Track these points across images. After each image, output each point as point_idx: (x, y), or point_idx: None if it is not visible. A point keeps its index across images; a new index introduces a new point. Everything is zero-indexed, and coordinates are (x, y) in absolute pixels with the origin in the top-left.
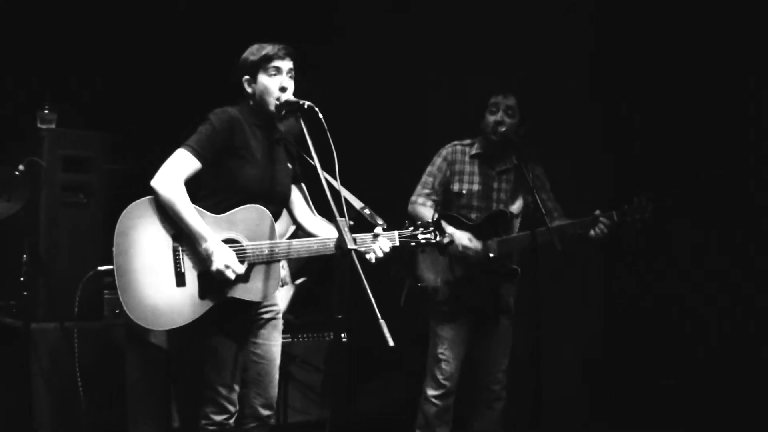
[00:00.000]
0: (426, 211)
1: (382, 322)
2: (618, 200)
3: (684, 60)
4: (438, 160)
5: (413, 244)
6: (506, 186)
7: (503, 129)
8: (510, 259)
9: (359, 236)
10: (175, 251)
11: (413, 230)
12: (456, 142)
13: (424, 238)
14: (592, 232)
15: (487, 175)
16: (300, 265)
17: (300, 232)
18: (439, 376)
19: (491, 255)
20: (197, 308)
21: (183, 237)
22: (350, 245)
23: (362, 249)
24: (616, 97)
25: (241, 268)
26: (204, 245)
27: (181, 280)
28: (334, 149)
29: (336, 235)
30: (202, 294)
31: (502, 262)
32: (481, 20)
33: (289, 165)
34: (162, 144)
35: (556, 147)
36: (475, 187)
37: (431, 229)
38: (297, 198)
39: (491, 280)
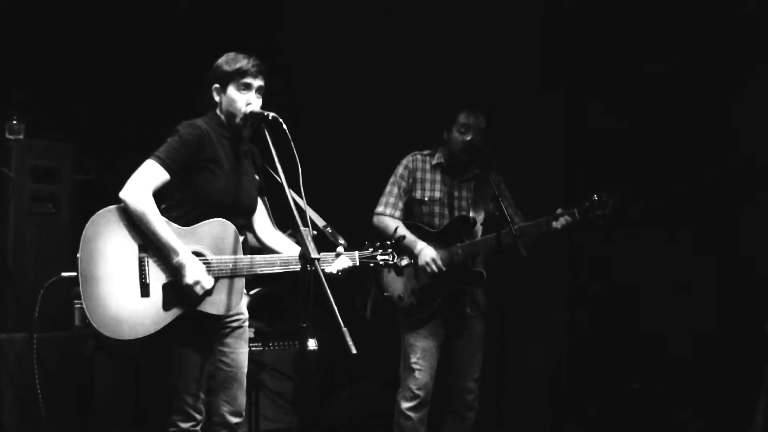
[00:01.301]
0: (392, 222)
1: (344, 330)
2: (572, 197)
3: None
4: (400, 170)
5: (372, 264)
6: (467, 194)
7: (472, 149)
8: (474, 263)
9: (321, 255)
10: (141, 261)
11: (372, 251)
12: (416, 152)
13: (382, 260)
14: (554, 223)
15: (448, 183)
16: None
17: (258, 245)
18: (413, 386)
19: (455, 260)
20: (160, 319)
21: (149, 247)
22: (314, 254)
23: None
24: (574, 90)
25: (209, 283)
26: (176, 258)
27: (145, 290)
28: (298, 162)
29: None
30: (166, 305)
31: (468, 266)
32: (455, 28)
33: (257, 177)
34: (131, 155)
35: (511, 141)
36: (437, 194)
37: (389, 250)
38: (259, 211)
39: (457, 285)
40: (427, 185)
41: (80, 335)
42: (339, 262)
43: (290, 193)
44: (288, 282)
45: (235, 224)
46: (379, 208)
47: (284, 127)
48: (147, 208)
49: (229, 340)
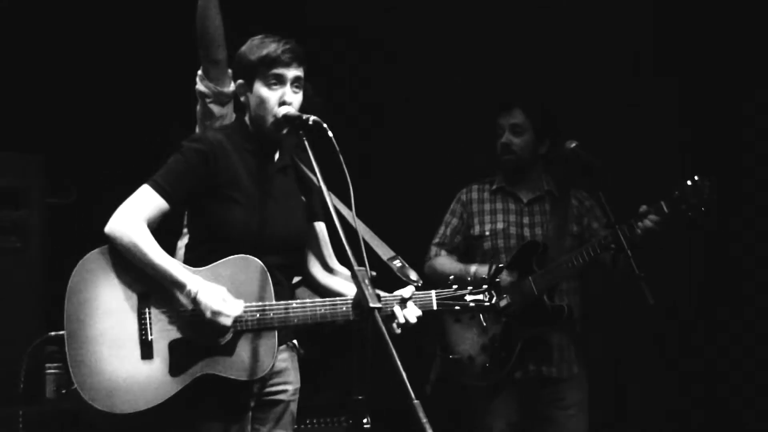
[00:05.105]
0: (443, 260)
1: (416, 402)
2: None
3: None
4: (452, 205)
5: (458, 308)
6: (540, 218)
7: (511, 156)
8: (552, 297)
9: (383, 296)
10: (140, 314)
11: (457, 289)
12: (473, 183)
13: (473, 300)
14: (638, 226)
15: (512, 210)
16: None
17: (308, 286)
18: None
19: (528, 298)
20: (166, 387)
21: (153, 296)
22: (372, 302)
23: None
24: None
25: (238, 308)
26: (187, 289)
27: (147, 350)
28: (349, 178)
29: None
30: (174, 369)
31: (543, 302)
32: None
33: (303, 198)
34: (123, 169)
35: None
36: (499, 225)
37: (484, 287)
38: (314, 243)
39: (534, 329)
40: (486, 217)
41: (54, 410)
42: (405, 309)
43: (336, 209)
44: (335, 338)
45: (271, 264)
46: (432, 252)
47: (330, 134)
48: (138, 236)
49: (263, 418)
